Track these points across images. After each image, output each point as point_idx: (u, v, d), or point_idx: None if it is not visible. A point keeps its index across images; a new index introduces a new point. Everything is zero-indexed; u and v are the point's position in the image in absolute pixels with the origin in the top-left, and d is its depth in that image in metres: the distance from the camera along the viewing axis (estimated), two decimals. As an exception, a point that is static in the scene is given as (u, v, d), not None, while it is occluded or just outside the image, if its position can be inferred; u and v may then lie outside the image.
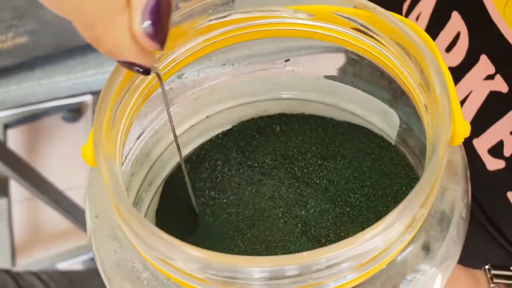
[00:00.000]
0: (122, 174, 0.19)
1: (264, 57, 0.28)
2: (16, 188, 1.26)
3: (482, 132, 0.36)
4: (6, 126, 1.37)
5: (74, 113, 1.35)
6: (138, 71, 0.18)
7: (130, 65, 0.17)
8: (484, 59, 0.33)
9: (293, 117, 0.32)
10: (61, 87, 0.71)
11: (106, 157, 0.18)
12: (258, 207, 0.29)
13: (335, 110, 0.31)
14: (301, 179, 0.30)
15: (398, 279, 0.18)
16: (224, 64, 0.28)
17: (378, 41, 0.21)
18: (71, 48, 0.69)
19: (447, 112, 0.17)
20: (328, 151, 0.30)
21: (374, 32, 0.21)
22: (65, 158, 1.32)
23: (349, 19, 0.22)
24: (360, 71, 0.27)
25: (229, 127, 0.32)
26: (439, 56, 0.21)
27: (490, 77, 0.33)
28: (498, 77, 0.33)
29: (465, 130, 0.20)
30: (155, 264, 0.18)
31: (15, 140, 1.39)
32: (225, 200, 0.30)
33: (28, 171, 1.09)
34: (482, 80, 0.34)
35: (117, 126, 0.20)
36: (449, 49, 0.36)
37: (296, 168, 0.30)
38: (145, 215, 0.30)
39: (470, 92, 0.35)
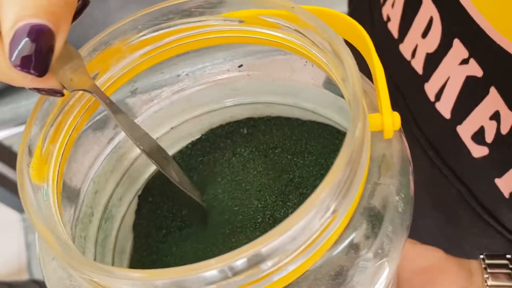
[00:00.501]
0: (57, 197, 0.20)
1: (217, 65, 0.28)
2: None
3: (464, 119, 0.35)
4: None
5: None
6: (48, 93, 0.18)
7: (35, 89, 0.18)
8: (457, 43, 0.32)
9: (259, 120, 0.32)
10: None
11: (30, 180, 0.18)
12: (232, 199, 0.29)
13: (298, 111, 0.31)
14: (273, 172, 0.30)
15: (327, 278, 0.18)
16: (178, 75, 0.28)
17: (306, 39, 0.21)
18: None
19: (358, 108, 0.17)
20: (296, 148, 0.30)
21: (297, 31, 0.21)
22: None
23: (274, 20, 0.22)
24: (311, 69, 0.27)
25: (198, 136, 0.32)
26: (372, 50, 0.21)
27: (464, 61, 0.33)
28: (472, 61, 0.32)
29: (394, 122, 0.20)
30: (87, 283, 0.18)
31: None
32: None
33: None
34: (458, 65, 0.33)
35: (49, 150, 0.20)
36: (424, 34, 0.36)
37: (268, 161, 0.30)
38: (118, 230, 0.30)
39: (448, 77, 0.34)
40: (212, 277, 0.16)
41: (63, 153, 0.21)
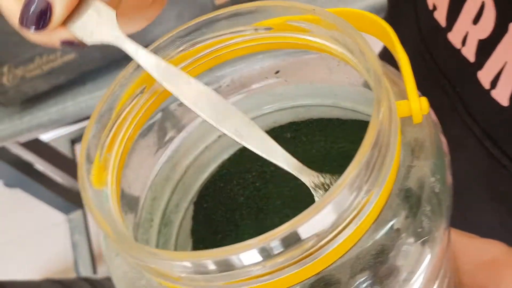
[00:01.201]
0: (117, 199, 0.22)
1: (254, 73, 0.30)
2: None
3: None
4: (73, 142, 1.43)
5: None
6: (66, 45, 0.21)
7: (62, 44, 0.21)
8: None
9: (302, 123, 0.33)
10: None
11: (91, 184, 0.21)
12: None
13: (338, 110, 0.32)
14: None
15: (368, 260, 0.19)
16: (220, 86, 0.30)
17: (329, 38, 0.23)
18: (118, 58, 0.71)
19: (380, 88, 0.18)
20: (339, 146, 0.31)
21: (322, 32, 0.22)
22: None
23: (301, 24, 0.23)
24: (343, 68, 0.28)
25: (245, 143, 0.34)
26: (396, 41, 0.22)
27: None
28: None
29: (422, 107, 0.21)
30: (146, 272, 0.20)
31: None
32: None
33: None
34: None
35: (107, 157, 0.23)
36: (476, 20, 0.35)
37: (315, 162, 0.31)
38: (178, 234, 0.32)
39: (505, 63, 0.34)
40: (254, 256, 0.17)
41: (119, 161, 0.24)
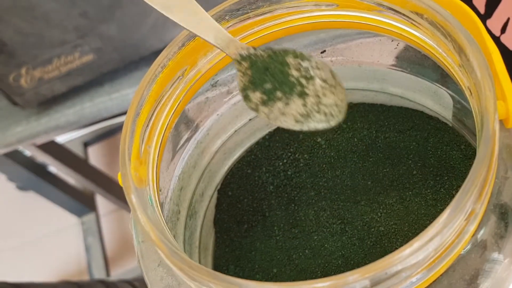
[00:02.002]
0: (157, 199, 0.19)
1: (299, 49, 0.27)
2: (102, 202, 1.32)
3: None
4: (86, 144, 1.44)
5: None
6: None
7: None
8: None
9: (340, 107, 0.30)
10: (130, 99, 0.74)
11: (135, 188, 0.17)
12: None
13: (384, 96, 0.29)
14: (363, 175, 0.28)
15: (461, 280, 0.17)
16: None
17: (410, 22, 0.20)
18: (136, 60, 0.71)
19: (491, 98, 0.15)
20: (384, 135, 0.29)
21: (403, 14, 0.19)
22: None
23: (375, 2, 0.20)
24: (401, 53, 0.25)
25: (275, 126, 0.31)
26: (484, 32, 0.19)
27: None
28: None
29: (520, 109, 0.18)
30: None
31: (95, 156, 1.47)
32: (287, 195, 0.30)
33: (111, 185, 1.14)
34: None
35: (147, 148, 0.20)
36: None
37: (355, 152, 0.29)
38: (202, 226, 0.30)
39: None
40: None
41: (159, 152, 0.20)
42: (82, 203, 1.22)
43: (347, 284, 0.14)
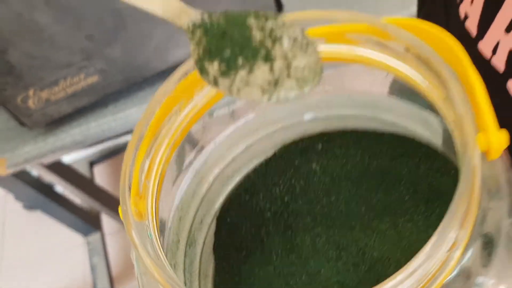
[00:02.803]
0: (156, 232, 0.20)
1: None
2: (108, 221, 1.32)
3: None
4: (92, 164, 1.46)
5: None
6: None
7: None
8: None
9: (334, 134, 0.31)
10: (134, 119, 0.76)
11: (135, 228, 0.18)
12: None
13: (376, 122, 0.30)
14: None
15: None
16: (253, 96, 0.28)
17: (396, 56, 0.20)
18: (139, 81, 0.73)
19: (471, 134, 0.16)
20: (376, 162, 0.29)
21: (390, 48, 0.20)
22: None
23: (362, 37, 0.21)
24: (393, 82, 0.26)
25: (272, 152, 0.32)
26: (467, 65, 0.20)
27: None
28: None
29: (501, 141, 0.19)
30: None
31: (101, 175, 1.47)
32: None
33: (117, 204, 1.15)
34: None
35: (146, 184, 0.20)
36: (509, 29, 0.34)
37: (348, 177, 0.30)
38: (201, 253, 0.30)
39: None
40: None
41: (157, 186, 0.21)
42: (87, 223, 1.23)
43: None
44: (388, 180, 0.29)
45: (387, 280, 0.15)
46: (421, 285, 0.16)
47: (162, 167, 0.22)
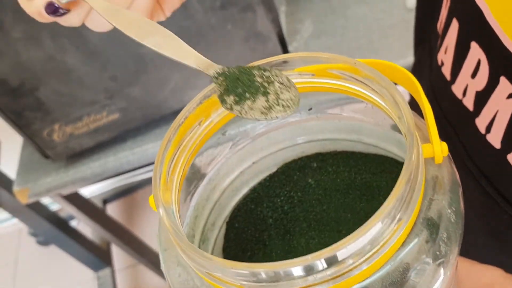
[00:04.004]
0: (178, 215, 0.26)
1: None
2: (118, 256, 1.35)
3: None
4: (105, 202, 1.50)
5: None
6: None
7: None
8: (503, 80, 0.37)
9: (327, 154, 0.37)
10: (150, 154, 0.81)
11: (163, 203, 0.24)
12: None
13: (361, 145, 0.36)
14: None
15: (395, 277, 0.23)
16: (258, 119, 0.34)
17: (367, 87, 0.27)
18: (157, 119, 0.77)
19: (412, 138, 0.22)
20: (361, 177, 0.35)
21: (361, 81, 0.27)
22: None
23: (339, 73, 0.27)
24: (369, 110, 0.32)
25: (275, 169, 0.38)
26: (421, 92, 0.26)
27: (511, 95, 0.37)
28: None
29: (442, 150, 0.25)
30: (207, 279, 0.24)
31: (114, 212, 1.51)
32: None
33: (129, 238, 1.19)
34: (505, 99, 0.37)
35: (171, 177, 0.27)
36: (474, 75, 0.40)
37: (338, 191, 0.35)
38: (212, 252, 0.36)
39: (497, 111, 0.38)
40: (301, 271, 0.21)
41: (179, 182, 0.27)
42: (98, 258, 1.27)
43: (307, 262, 0.20)
44: (370, 192, 0.34)
45: (342, 240, 0.20)
46: (375, 249, 0.22)
47: (184, 167, 0.28)
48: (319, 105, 0.34)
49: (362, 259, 0.22)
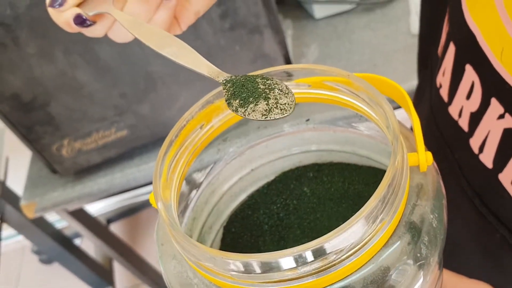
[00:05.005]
0: (176, 211, 0.27)
1: (290, 120, 0.36)
2: (121, 276, 1.34)
3: (504, 166, 0.40)
4: (109, 221, 1.50)
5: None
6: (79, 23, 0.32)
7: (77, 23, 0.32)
8: (494, 101, 0.38)
9: (323, 165, 0.39)
10: (157, 172, 0.81)
11: (162, 200, 0.26)
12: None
13: (356, 157, 0.37)
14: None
15: (377, 275, 0.24)
16: (258, 128, 0.36)
17: (358, 98, 0.29)
18: (164, 137, 0.78)
19: (397, 143, 0.24)
20: (354, 188, 0.37)
21: (352, 92, 0.28)
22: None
23: (334, 85, 0.29)
24: (363, 123, 0.34)
25: (273, 177, 0.40)
26: (409, 103, 0.28)
27: (501, 116, 0.38)
28: (507, 115, 0.38)
29: (427, 159, 0.26)
30: (199, 270, 0.25)
31: (117, 232, 1.50)
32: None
33: (131, 256, 1.19)
34: (496, 119, 0.39)
35: (171, 176, 0.28)
36: (468, 96, 0.42)
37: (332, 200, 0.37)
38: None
39: (489, 131, 0.40)
40: (288, 263, 0.22)
41: (179, 182, 0.29)
42: (101, 277, 1.27)
43: (293, 253, 0.22)
44: (362, 201, 0.35)
45: (327, 235, 0.22)
46: (356, 247, 0.23)
47: (184, 167, 0.30)
48: (316, 116, 0.36)
49: (345, 255, 0.23)
